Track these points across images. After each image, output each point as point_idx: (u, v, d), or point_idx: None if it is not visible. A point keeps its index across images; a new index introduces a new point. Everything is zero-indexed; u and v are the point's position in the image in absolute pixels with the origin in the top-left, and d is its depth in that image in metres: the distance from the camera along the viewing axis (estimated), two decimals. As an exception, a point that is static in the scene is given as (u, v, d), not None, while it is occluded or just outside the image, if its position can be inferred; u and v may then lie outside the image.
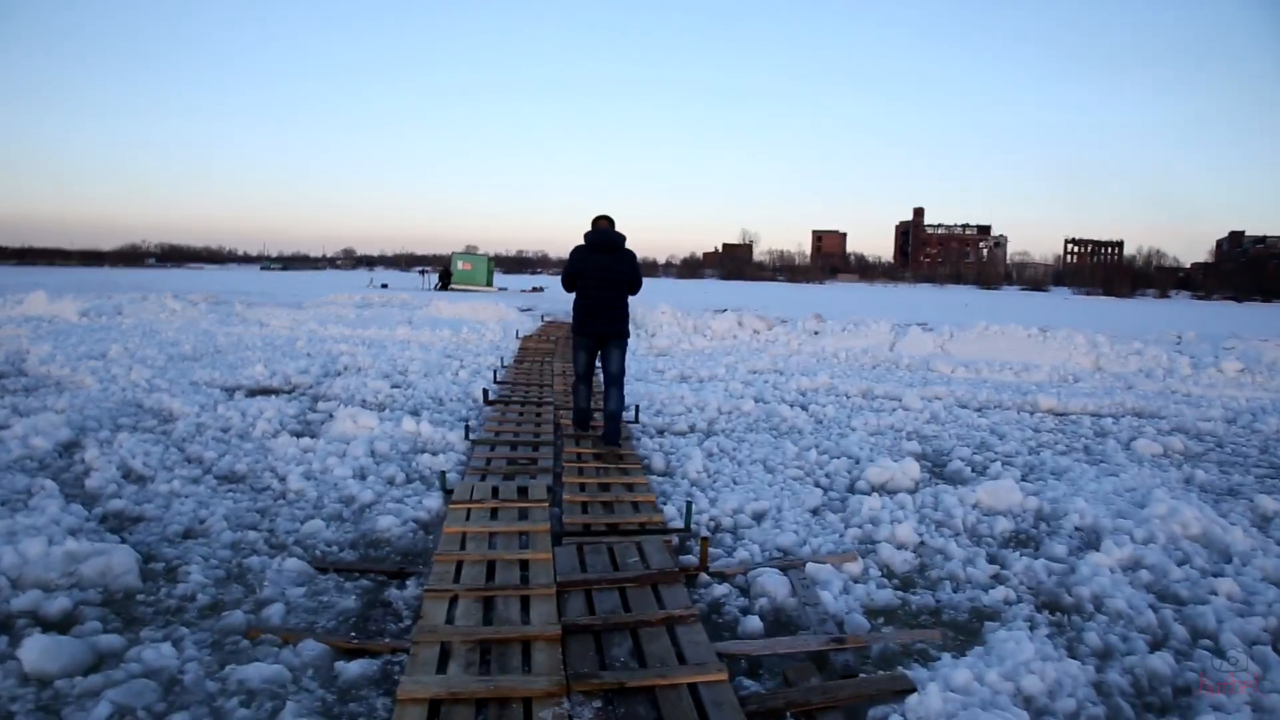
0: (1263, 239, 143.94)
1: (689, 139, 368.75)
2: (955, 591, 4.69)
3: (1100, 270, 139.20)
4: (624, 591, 4.35)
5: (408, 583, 4.61)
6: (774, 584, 4.47)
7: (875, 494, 6.43)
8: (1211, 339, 21.27)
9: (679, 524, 5.58)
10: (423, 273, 65.44)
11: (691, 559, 4.98)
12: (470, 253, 58.07)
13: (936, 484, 7.00)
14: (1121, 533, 5.69)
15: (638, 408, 9.33)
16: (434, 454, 7.51)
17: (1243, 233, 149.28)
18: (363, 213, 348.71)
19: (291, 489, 6.29)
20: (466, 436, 7.93)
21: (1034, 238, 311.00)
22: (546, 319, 24.05)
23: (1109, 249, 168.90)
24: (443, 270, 54.97)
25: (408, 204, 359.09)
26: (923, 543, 5.43)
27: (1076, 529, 5.88)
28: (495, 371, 12.19)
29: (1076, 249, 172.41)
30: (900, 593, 4.64)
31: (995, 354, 15.87)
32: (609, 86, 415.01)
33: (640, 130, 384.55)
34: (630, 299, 7.87)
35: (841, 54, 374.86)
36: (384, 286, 50.66)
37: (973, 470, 7.56)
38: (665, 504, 6.12)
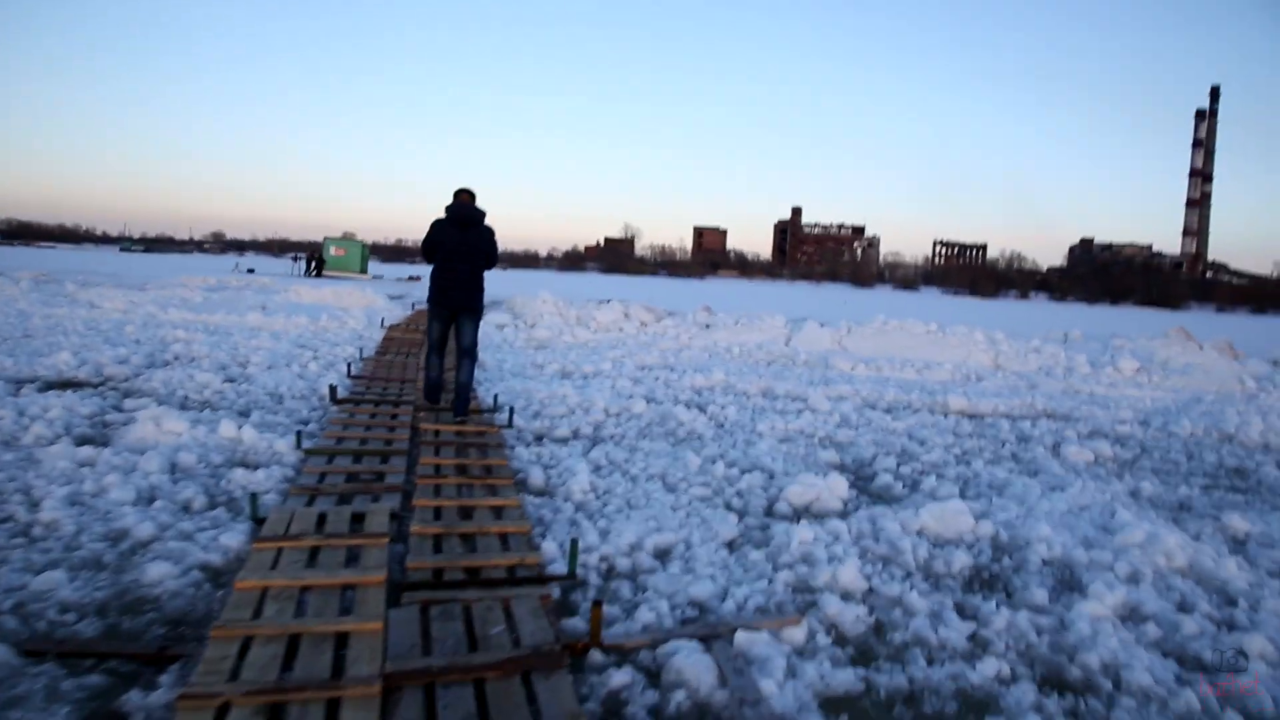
0: (1109, 246, 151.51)
1: (571, 132, 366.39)
2: (931, 664, 3.52)
3: (967, 271, 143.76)
4: (482, 686, 3.03)
5: (165, 674, 3.16)
6: (695, 668, 3.20)
7: (801, 521, 5.26)
8: (1098, 338, 21.20)
9: (561, 568, 4.28)
10: (295, 259, 62.02)
11: (578, 624, 3.68)
12: (347, 239, 54.91)
13: (868, 504, 5.89)
14: (1101, 568, 4.69)
15: (512, 409, 7.96)
16: (254, 468, 5.98)
17: (1092, 240, 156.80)
18: (234, 195, 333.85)
19: (42, 520, 4.70)
20: (298, 445, 6.42)
21: (905, 239, 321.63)
22: (418, 308, 22.29)
23: (974, 251, 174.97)
24: (314, 256, 52.01)
25: (282, 188, 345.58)
26: (872, 589, 4.27)
27: (1045, 562, 4.84)
28: (350, 365, 10.59)
29: (945, 250, 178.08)
30: (862, 670, 3.43)
31: (894, 350, 15.11)
32: (490, 77, 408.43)
33: (523, 121, 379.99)
34: (488, 274, 7.87)
35: (721, 54, 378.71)
36: (250, 271, 47.55)
37: (904, 485, 6.50)
38: (544, 536, 4.80)
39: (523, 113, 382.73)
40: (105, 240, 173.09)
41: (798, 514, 5.58)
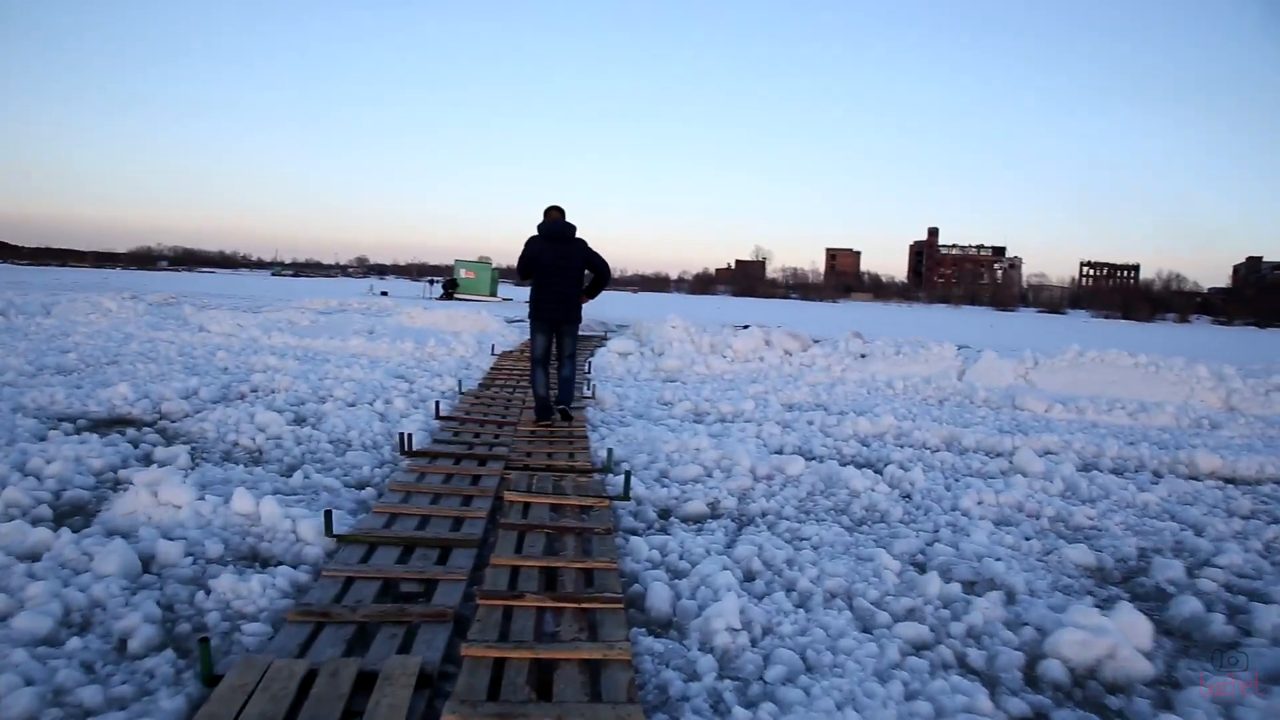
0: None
1: (702, 156, 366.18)
2: None
3: (1118, 293, 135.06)
4: None
5: None
6: None
7: (1095, 703, 3.10)
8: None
9: None
10: (431, 282, 62.47)
11: None
12: (481, 263, 54.55)
13: (1187, 661, 3.67)
14: None
15: (629, 474, 5.92)
16: (257, 567, 4.23)
17: (1260, 258, 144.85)
18: (377, 222, 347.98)
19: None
20: (328, 530, 4.60)
21: (1049, 260, 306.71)
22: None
23: (1125, 272, 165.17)
24: (448, 280, 51.78)
25: (422, 215, 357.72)
26: None
27: None
28: (438, 403, 8.84)
29: (1092, 272, 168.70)
30: None
31: (1094, 387, 12.48)
32: (621, 104, 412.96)
33: (653, 146, 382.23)
34: (605, 287, 8.52)
35: (855, 73, 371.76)
36: (384, 294, 47.61)
37: (1224, 618, 4.17)
38: (667, 736, 2.81)
39: (651, 136, 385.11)
40: (260, 265, 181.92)
41: (1079, 683, 3.41)
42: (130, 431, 7.40)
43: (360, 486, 5.93)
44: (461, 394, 10.21)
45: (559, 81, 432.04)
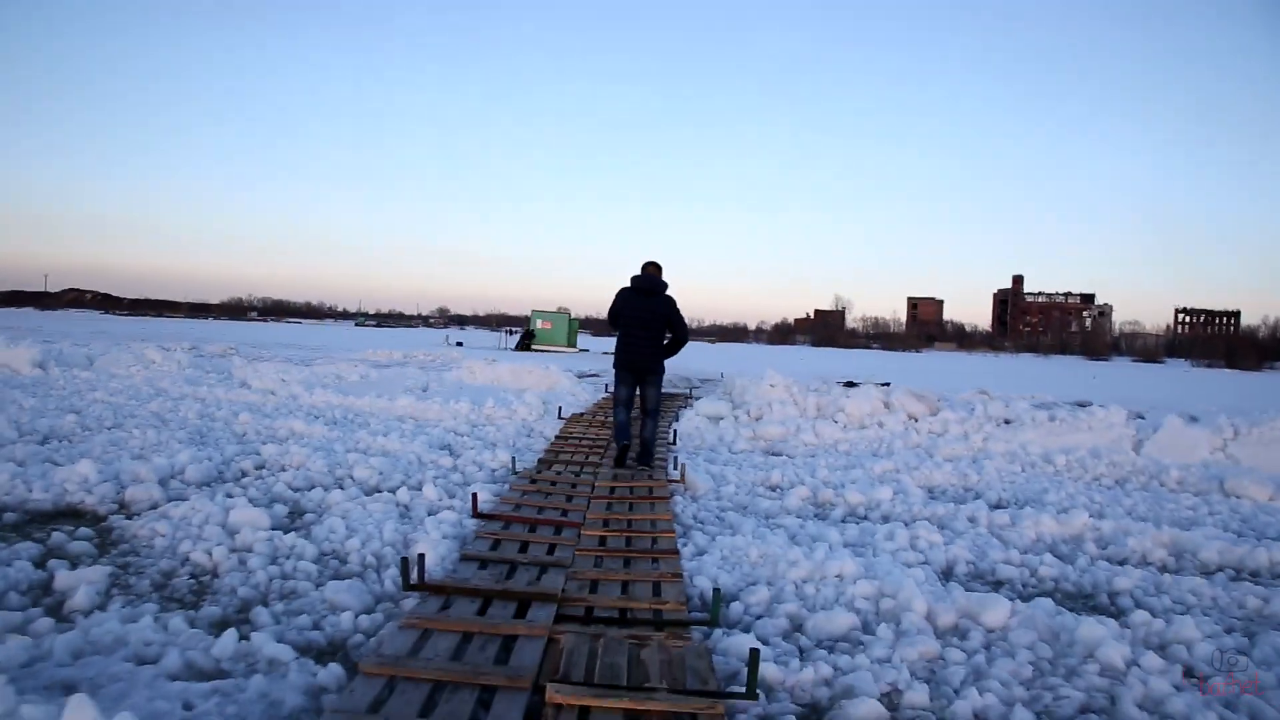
0: None
1: (779, 204, 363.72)
2: None
3: (1220, 341, 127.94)
4: None
5: None
6: None
7: None
8: None
9: None
10: (509, 332, 61.59)
11: None
12: (560, 313, 53.21)
13: None
14: None
15: (755, 655, 3.47)
16: None
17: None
18: (458, 273, 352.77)
19: None
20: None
21: (1140, 307, 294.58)
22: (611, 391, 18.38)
23: (1225, 319, 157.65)
24: (525, 330, 50.47)
25: (501, 266, 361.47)
26: None
27: None
28: (475, 496, 6.62)
29: (1188, 319, 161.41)
30: None
31: (1322, 466, 9.78)
32: (699, 152, 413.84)
33: (733, 196, 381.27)
34: (684, 345, 8.60)
35: (934, 118, 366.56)
36: (459, 344, 46.48)
37: None
38: None
39: (731, 186, 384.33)
40: (345, 315, 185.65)
41: None
42: (58, 535, 5.43)
43: (324, 655, 3.78)
44: (515, 474, 8.06)
45: (635, 132, 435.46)
